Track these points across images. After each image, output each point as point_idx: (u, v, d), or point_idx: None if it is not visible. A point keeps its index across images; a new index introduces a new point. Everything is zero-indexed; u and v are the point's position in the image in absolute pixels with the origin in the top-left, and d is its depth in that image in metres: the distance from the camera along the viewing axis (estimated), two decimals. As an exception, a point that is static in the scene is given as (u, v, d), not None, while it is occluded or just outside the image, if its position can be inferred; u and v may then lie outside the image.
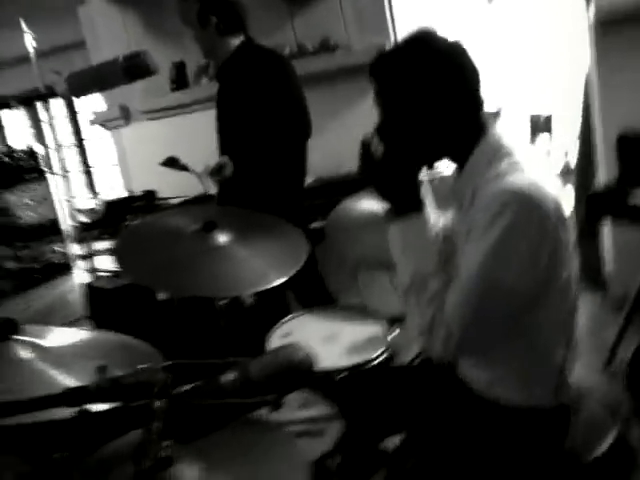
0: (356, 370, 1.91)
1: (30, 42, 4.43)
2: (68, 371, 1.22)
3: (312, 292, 3.08)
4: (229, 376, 0.90)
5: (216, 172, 2.79)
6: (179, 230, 2.07)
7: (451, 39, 1.44)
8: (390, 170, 1.47)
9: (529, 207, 1.28)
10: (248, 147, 2.87)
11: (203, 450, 1.12)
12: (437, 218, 1.70)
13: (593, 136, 3.61)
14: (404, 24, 3.98)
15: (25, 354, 1.29)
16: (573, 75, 3.93)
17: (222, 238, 2.01)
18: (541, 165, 1.40)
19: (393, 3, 3.92)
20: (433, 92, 1.40)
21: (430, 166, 1.54)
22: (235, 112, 2.93)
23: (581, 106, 3.75)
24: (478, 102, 1.45)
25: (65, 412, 0.86)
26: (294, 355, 0.95)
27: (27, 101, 7.40)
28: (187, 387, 0.88)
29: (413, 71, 1.40)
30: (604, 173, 3.43)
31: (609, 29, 3.27)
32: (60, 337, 1.47)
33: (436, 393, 1.62)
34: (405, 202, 1.46)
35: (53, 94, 1.48)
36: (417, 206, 1.46)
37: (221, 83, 3.03)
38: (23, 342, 1.32)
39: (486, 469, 1.45)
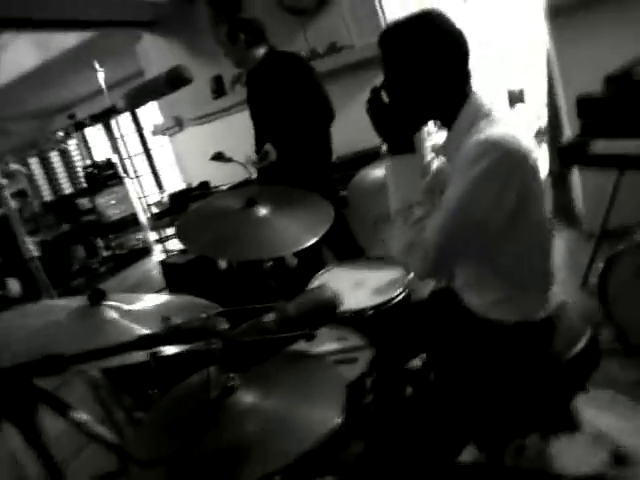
0: (380, 308, 1.88)
1: (102, 77, 4.50)
2: (145, 326, 1.23)
3: (346, 248, 3.08)
4: (270, 316, 0.88)
5: (263, 158, 2.81)
6: (227, 208, 2.06)
7: (449, 18, 1.37)
8: (390, 117, 1.43)
9: (502, 155, 1.24)
10: (286, 134, 2.87)
11: (258, 380, 1.12)
12: (431, 162, 1.65)
13: (557, 101, 3.54)
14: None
15: (112, 315, 1.30)
16: (538, 53, 3.79)
17: (262, 211, 1.99)
18: (515, 122, 1.34)
19: (384, 9, 3.83)
20: (430, 63, 1.34)
21: (423, 123, 1.49)
22: (271, 107, 2.93)
23: (545, 78, 3.64)
24: (467, 74, 1.40)
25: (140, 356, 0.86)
26: (323, 294, 0.93)
27: (104, 121, 7.49)
28: (238, 328, 0.86)
29: (415, 43, 1.35)
30: (569, 130, 3.35)
31: (561, 12, 3.18)
32: (140, 302, 1.46)
33: (446, 320, 1.59)
34: (400, 144, 1.43)
35: (119, 113, 1.49)
36: (409, 148, 1.43)
37: (254, 86, 3.03)
38: (110, 306, 1.33)
39: (490, 375, 1.43)
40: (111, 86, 4.41)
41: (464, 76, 1.39)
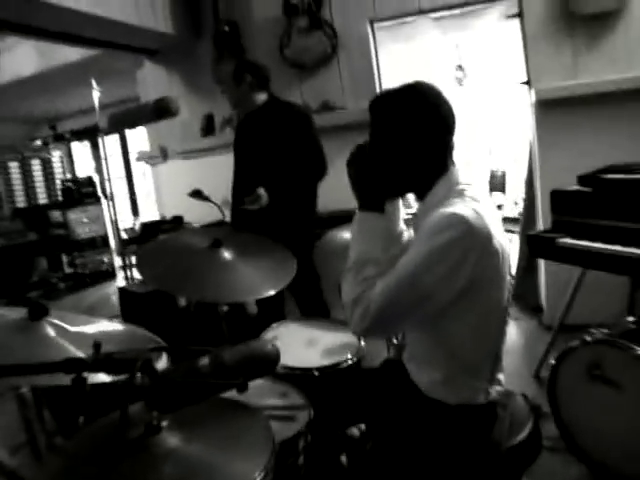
0: (328, 370, 1.87)
1: (96, 96, 4.54)
2: (82, 349, 1.19)
3: (312, 303, 3.03)
4: (205, 360, 0.86)
5: (254, 201, 2.74)
6: (193, 246, 2.06)
7: (439, 91, 1.41)
8: (368, 174, 1.45)
9: (463, 232, 1.25)
10: (277, 182, 2.82)
11: (185, 422, 1.09)
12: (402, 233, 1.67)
13: (534, 191, 3.66)
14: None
15: (50, 333, 1.28)
16: (523, 142, 3.95)
17: (226, 254, 1.99)
18: (485, 202, 1.37)
19: (382, 76, 3.96)
20: (414, 133, 1.37)
21: (400, 190, 1.51)
22: (266, 152, 2.89)
23: (527, 167, 3.78)
24: (449, 147, 1.43)
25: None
26: (263, 347, 0.92)
27: (87, 138, 7.50)
28: (169, 366, 0.85)
29: (401, 112, 1.38)
30: (541, 221, 3.46)
31: (545, 108, 3.36)
32: (85, 324, 1.44)
33: (392, 391, 1.57)
34: (371, 201, 1.45)
35: (101, 132, 1.48)
36: (378, 208, 1.45)
37: (249, 129, 3.00)
38: (51, 323, 1.31)
39: (427, 454, 1.40)
40: (105, 106, 4.43)
41: (445, 149, 1.42)
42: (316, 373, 1.85)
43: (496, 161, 6.15)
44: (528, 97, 3.43)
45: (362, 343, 2.06)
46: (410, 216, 1.63)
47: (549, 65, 3.30)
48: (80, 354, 1.19)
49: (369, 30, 3.81)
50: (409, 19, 3.69)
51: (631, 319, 2.27)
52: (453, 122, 1.40)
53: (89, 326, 1.46)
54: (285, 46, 3.86)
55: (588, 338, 2.13)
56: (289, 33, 3.83)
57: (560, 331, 2.88)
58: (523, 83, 3.44)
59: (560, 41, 3.27)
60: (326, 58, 3.87)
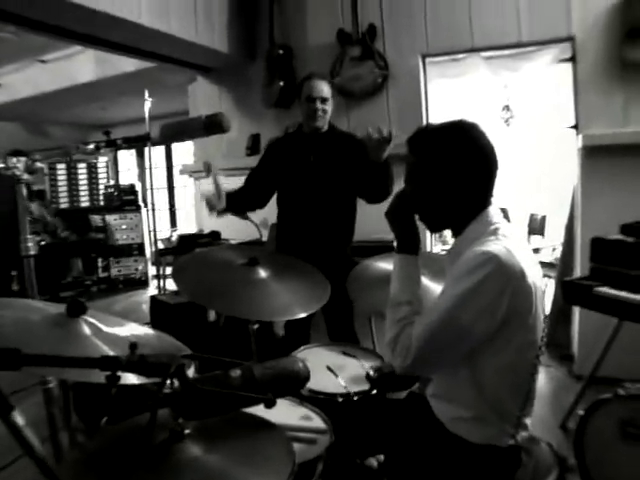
0: (352, 397, 1.86)
1: (148, 106, 4.70)
2: (115, 350, 1.23)
3: (342, 330, 2.96)
4: (236, 372, 0.88)
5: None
6: (229, 262, 2.09)
7: (482, 130, 1.44)
8: (407, 218, 1.53)
9: (496, 270, 1.27)
10: (334, 206, 2.81)
11: (208, 433, 1.11)
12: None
13: (574, 237, 3.61)
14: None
15: (85, 331, 1.32)
16: (565, 187, 3.91)
17: (262, 273, 2.01)
18: (518, 242, 1.39)
19: (429, 110, 3.99)
20: (456, 171, 1.39)
21: (435, 230, 1.59)
22: (328, 176, 2.79)
23: (568, 212, 3.74)
24: (489, 187, 1.45)
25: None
26: (293, 365, 0.94)
27: (136, 146, 7.72)
28: (199, 375, 0.87)
29: (444, 149, 1.40)
30: (580, 267, 3.40)
31: (592, 154, 3.34)
32: (118, 327, 1.47)
33: (415, 424, 1.56)
34: (407, 245, 1.52)
35: (151, 142, 1.55)
36: (412, 250, 1.51)
37: (309, 151, 2.83)
38: (87, 322, 1.35)
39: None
40: (155, 117, 4.57)
41: (485, 189, 1.44)
42: (340, 399, 1.85)
43: (538, 204, 6.09)
44: (575, 142, 3.41)
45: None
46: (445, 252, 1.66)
47: (598, 111, 3.30)
48: (112, 354, 1.23)
49: (420, 64, 3.86)
50: (460, 56, 3.73)
51: (668, 376, 2.20)
52: (495, 162, 1.42)
53: (122, 328, 1.50)
54: (336, 74, 3.92)
55: (622, 392, 2.08)
56: (341, 61, 3.89)
57: (590, 383, 2.81)
58: (571, 127, 3.43)
59: (611, 88, 3.26)
60: (375, 88, 3.91)
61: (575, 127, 3.41)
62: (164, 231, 6.60)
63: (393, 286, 1.50)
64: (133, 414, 1.38)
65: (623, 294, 2.48)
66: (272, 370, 0.91)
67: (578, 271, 3.42)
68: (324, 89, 2.75)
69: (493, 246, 1.31)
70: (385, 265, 2.46)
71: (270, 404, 0.88)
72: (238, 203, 2.90)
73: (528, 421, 1.47)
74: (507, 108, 5.73)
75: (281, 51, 4.17)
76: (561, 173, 4.89)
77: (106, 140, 1.80)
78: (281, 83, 4.19)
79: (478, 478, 1.39)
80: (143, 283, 7.14)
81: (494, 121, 5.75)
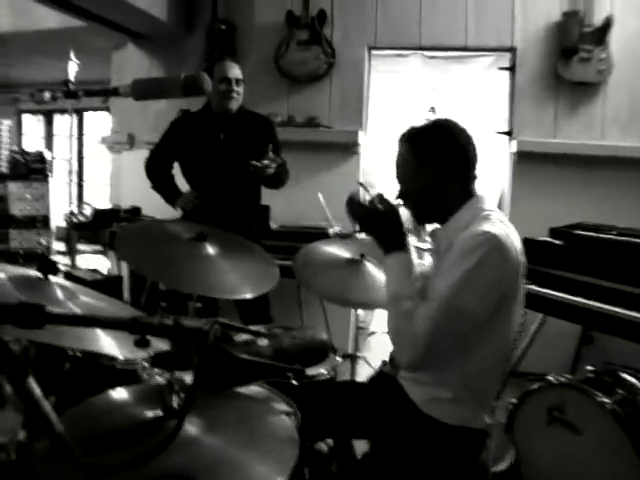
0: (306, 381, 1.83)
1: (74, 69, 4.33)
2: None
3: (256, 312, 2.94)
4: (264, 341, 0.83)
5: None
6: (176, 235, 2.01)
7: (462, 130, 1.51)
8: (384, 222, 1.52)
9: (495, 248, 1.31)
10: (242, 184, 2.87)
11: (205, 410, 1.03)
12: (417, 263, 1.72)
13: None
14: (375, 120, 4.14)
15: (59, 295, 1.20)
16: (492, 190, 4.09)
17: (209, 249, 1.95)
18: (511, 227, 1.44)
19: (370, 103, 4.04)
20: (441, 166, 1.46)
21: (423, 222, 1.60)
22: (237, 155, 2.83)
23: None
24: (471, 179, 1.51)
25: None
26: (319, 335, 0.90)
27: (47, 115, 7.20)
28: (231, 343, 0.81)
29: (432, 147, 1.46)
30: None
31: (524, 160, 3.54)
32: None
33: (383, 406, 1.56)
34: (392, 245, 1.51)
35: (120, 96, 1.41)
36: (401, 247, 1.50)
37: (220, 130, 2.90)
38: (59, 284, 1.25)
39: (416, 470, 1.42)
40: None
41: (466, 179, 1.51)
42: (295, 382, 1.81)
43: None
44: (508, 147, 3.59)
45: (338, 358, 2.03)
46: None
47: (532, 120, 3.52)
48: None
49: (366, 56, 3.90)
50: (405, 52, 3.80)
51: (590, 368, 2.36)
52: (472, 154, 1.50)
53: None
54: (281, 56, 3.87)
55: (554, 380, 2.20)
56: (287, 43, 3.84)
57: (510, 376, 2.96)
58: (504, 133, 3.60)
59: (545, 100, 3.49)
60: (319, 75, 3.90)
61: (508, 133, 3.58)
62: (73, 205, 6.17)
63: (391, 284, 1.48)
64: (87, 393, 1.27)
65: (549, 291, 2.66)
66: (300, 340, 0.86)
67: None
68: (238, 71, 2.85)
69: (491, 227, 1.35)
70: (329, 249, 2.46)
71: (300, 375, 0.83)
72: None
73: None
74: (433, 110, 5.90)
75: (223, 26, 4.03)
76: (487, 176, 5.12)
77: (65, 90, 1.63)
78: (221, 60, 4.03)
79: (447, 458, 1.42)
80: (44, 259, 6.66)
81: (419, 122, 5.89)
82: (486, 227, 1.35)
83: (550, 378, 2.24)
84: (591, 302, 2.51)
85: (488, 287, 1.32)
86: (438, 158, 1.45)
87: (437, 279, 1.42)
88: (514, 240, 1.37)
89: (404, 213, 1.56)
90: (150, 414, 1.04)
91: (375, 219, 1.53)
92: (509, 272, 1.34)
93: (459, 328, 1.35)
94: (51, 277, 1.23)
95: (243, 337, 0.85)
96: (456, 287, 1.31)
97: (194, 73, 1.52)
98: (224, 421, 1.04)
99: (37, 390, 0.68)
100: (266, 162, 2.65)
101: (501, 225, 1.38)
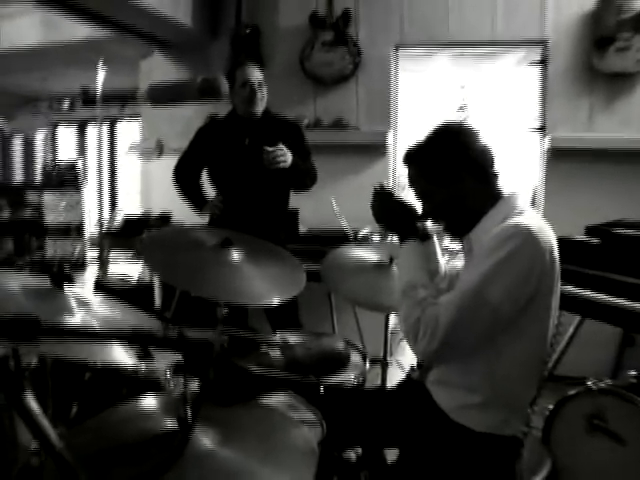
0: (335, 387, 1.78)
1: (101, 77, 4.37)
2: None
3: (285, 318, 2.90)
4: (276, 352, 0.78)
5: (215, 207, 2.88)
6: (201, 242, 2.00)
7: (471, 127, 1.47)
8: (396, 212, 1.54)
9: (528, 242, 1.26)
10: (268, 189, 2.84)
11: (221, 422, 1.00)
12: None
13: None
14: (404, 120, 4.07)
15: (71, 303, 1.18)
16: (523, 188, 3.99)
17: (235, 255, 1.92)
18: (545, 224, 1.38)
19: (398, 101, 3.98)
20: (452, 177, 1.41)
21: (460, 235, 1.55)
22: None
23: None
24: (493, 177, 1.45)
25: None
26: (335, 344, 0.85)
27: (81, 125, 7.34)
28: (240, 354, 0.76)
29: (436, 163, 1.43)
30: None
31: (557, 156, 3.43)
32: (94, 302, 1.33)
33: (413, 415, 1.50)
34: (406, 233, 1.50)
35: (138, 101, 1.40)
36: (415, 235, 1.49)
37: (246, 134, 2.88)
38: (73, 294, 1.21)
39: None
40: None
41: (490, 177, 1.45)
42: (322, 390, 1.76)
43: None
44: (540, 144, 3.48)
45: (367, 365, 1.98)
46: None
47: (565, 115, 3.41)
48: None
49: (393, 55, 3.84)
50: (433, 50, 3.72)
51: (633, 373, 2.25)
52: (489, 153, 1.45)
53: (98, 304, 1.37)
54: (306, 58, 3.83)
55: (592, 386, 2.10)
56: (312, 45, 3.80)
57: (549, 380, 2.86)
58: (537, 129, 3.49)
59: (579, 93, 3.37)
60: (346, 76, 3.85)
61: (540, 129, 3.47)
62: (105, 213, 6.26)
63: (404, 274, 1.46)
64: (107, 403, 1.26)
65: (587, 293, 2.55)
66: (314, 350, 0.81)
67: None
68: (259, 74, 2.82)
69: (524, 220, 1.30)
70: (356, 253, 2.43)
71: (315, 388, 0.78)
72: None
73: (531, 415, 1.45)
74: (462, 109, 5.79)
75: (248, 30, 4.02)
76: (519, 175, 5.01)
77: (83, 97, 1.62)
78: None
79: (480, 467, 1.37)
80: (80, 266, 6.77)
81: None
82: (518, 220, 1.30)
83: (589, 383, 2.15)
84: (631, 303, 2.40)
85: (517, 282, 1.25)
86: (446, 171, 1.42)
87: (465, 273, 1.37)
88: (548, 235, 1.31)
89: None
90: (167, 426, 1.01)
91: (383, 207, 1.54)
92: (541, 268, 1.27)
93: (482, 321, 1.28)
94: (66, 287, 1.20)
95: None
96: (483, 279, 1.26)
97: (210, 76, 1.50)
98: (241, 433, 1.00)
99: (35, 407, 0.65)
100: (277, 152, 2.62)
101: (534, 220, 1.33)
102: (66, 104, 1.83)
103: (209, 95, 1.45)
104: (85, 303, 1.18)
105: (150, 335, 0.69)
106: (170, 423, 1.05)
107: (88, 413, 1.27)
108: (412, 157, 1.49)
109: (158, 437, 1.00)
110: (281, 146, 2.65)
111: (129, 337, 0.69)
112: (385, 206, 1.55)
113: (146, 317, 1.51)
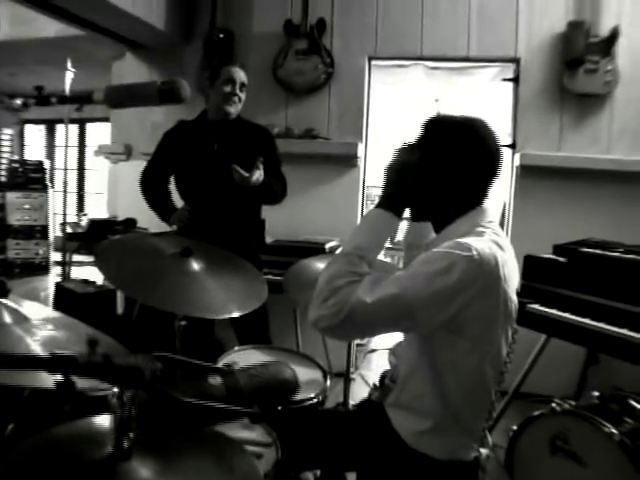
0: (293, 405, 1.71)
1: (69, 77, 4.24)
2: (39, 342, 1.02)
3: (254, 331, 2.81)
4: (217, 379, 0.72)
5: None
6: (160, 250, 1.93)
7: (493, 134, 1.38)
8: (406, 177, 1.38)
9: (467, 268, 1.19)
10: (237, 197, 2.68)
11: (159, 449, 0.92)
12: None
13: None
14: (376, 131, 4.05)
15: (7, 319, 1.09)
16: (495, 203, 3.98)
17: (195, 265, 1.88)
18: (506, 249, 1.32)
19: (371, 114, 3.94)
20: (458, 168, 1.34)
21: (418, 219, 1.48)
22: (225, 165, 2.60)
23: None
24: (485, 189, 1.39)
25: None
26: (283, 372, 0.78)
27: (49, 125, 7.16)
28: (175, 382, 0.70)
29: (453, 142, 1.34)
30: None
31: (527, 173, 3.44)
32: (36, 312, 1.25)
33: (371, 439, 1.44)
34: (394, 203, 1.38)
35: (93, 103, 1.33)
36: (398, 212, 1.38)
37: (214, 138, 2.75)
38: (7, 307, 1.13)
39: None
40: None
41: (480, 189, 1.38)
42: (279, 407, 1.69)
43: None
44: (511, 160, 3.48)
45: (328, 383, 1.92)
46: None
47: (536, 133, 3.42)
48: (39, 351, 1.01)
49: (366, 66, 3.79)
50: (406, 63, 3.70)
51: (596, 394, 2.23)
52: (496, 165, 1.37)
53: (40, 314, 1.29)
54: (279, 66, 3.78)
55: (556, 407, 2.08)
56: (286, 53, 3.75)
57: (514, 398, 2.84)
58: (507, 146, 3.48)
59: (550, 112, 3.38)
60: (318, 85, 3.80)
61: (511, 146, 3.47)
62: (71, 215, 6.11)
63: (357, 236, 1.36)
64: (48, 423, 1.17)
65: (554, 311, 2.55)
66: (259, 378, 0.75)
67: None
68: (244, 76, 2.73)
69: (475, 241, 1.24)
70: (320, 265, 2.39)
71: (256, 419, 0.72)
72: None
73: (489, 437, 1.40)
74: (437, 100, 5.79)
75: (222, 35, 3.95)
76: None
77: (37, 96, 1.53)
78: (219, 69, 3.96)
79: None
80: (43, 269, 6.58)
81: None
82: (470, 240, 1.24)
83: (553, 405, 2.12)
84: (596, 323, 2.39)
85: (439, 295, 1.19)
86: (463, 156, 1.33)
87: (402, 270, 1.33)
88: (499, 260, 1.24)
89: None
90: (103, 451, 0.93)
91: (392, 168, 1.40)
92: (482, 291, 1.21)
93: (393, 319, 1.24)
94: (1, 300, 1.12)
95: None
96: (412, 282, 1.21)
97: (171, 79, 1.43)
98: (181, 461, 0.92)
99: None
100: (253, 174, 2.47)
101: (490, 243, 1.26)
102: (18, 102, 1.75)
103: (169, 99, 1.38)
104: (23, 317, 1.10)
105: (71, 361, 0.62)
106: (107, 448, 0.97)
107: (25, 432, 1.17)
108: (438, 125, 1.40)
109: (90, 464, 0.92)
110: (258, 168, 2.50)
111: (47, 364, 0.61)
112: (400, 165, 1.40)
113: (92, 330, 1.43)
